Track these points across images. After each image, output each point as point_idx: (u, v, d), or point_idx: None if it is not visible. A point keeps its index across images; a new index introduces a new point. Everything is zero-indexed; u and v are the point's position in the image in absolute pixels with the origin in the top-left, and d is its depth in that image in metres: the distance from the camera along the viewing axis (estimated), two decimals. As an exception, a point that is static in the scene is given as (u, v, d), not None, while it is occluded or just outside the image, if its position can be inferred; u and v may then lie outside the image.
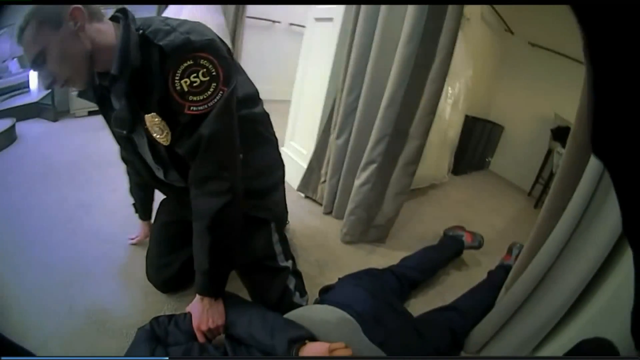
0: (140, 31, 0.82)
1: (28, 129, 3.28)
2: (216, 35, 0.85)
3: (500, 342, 1.03)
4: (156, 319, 0.96)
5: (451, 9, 1.29)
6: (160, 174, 1.04)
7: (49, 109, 3.66)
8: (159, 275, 1.20)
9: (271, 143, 1.08)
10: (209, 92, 0.81)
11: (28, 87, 4.24)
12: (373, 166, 1.42)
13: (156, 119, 0.85)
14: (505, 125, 3.29)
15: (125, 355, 0.92)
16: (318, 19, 1.70)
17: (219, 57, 0.81)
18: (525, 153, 3.04)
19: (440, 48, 1.34)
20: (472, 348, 1.09)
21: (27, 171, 2.34)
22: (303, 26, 2.49)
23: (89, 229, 1.56)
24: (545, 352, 0.89)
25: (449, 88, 2.18)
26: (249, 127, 0.99)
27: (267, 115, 1.09)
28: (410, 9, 1.30)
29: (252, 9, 2.87)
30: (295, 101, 1.85)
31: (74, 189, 1.97)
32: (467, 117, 2.57)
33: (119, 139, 1.05)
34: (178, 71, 0.78)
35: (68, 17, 0.77)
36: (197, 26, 0.84)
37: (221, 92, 0.82)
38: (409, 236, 1.74)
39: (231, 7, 2.48)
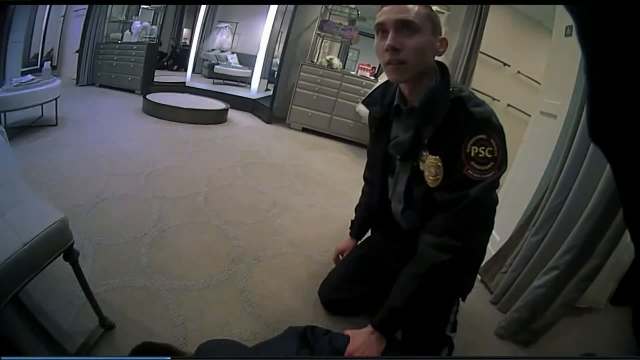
0: (455, 88, 0.97)
1: (240, 118, 3.81)
2: None
3: None
4: (312, 326, 1.03)
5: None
6: (398, 207, 1.16)
7: (265, 110, 4.09)
8: (332, 295, 1.31)
9: (490, 230, 1.13)
10: (486, 167, 0.92)
11: (249, 83, 4.95)
12: (555, 272, 1.38)
13: (439, 163, 0.97)
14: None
15: (266, 344, 1.01)
16: (543, 113, 1.73)
17: (503, 144, 0.94)
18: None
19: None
20: None
21: (230, 151, 2.68)
22: (521, 110, 2.48)
23: (276, 227, 1.71)
24: None
25: None
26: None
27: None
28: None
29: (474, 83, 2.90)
30: (506, 188, 1.87)
31: (273, 188, 2.13)
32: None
33: (376, 160, 1.21)
34: (474, 138, 0.91)
35: (440, 38, 0.98)
36: (493, 109, 0.97)
37: (493, 172, 0.93)
38: (550, 348, 1.64)
39: (460, 72, 2.62)
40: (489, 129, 0.91)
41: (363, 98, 1.25)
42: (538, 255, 1.47)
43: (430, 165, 0.99)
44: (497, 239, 1.80)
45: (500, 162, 0.93)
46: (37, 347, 1.00)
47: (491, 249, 1.77)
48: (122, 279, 1.27)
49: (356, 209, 1.46)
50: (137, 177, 1.95)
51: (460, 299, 1.17)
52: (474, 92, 1.04)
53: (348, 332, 1.03)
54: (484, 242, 1.10)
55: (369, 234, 1.45)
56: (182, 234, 1.55)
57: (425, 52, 0.95)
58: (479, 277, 1.76)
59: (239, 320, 1.20)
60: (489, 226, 1.08)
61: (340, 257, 1.45)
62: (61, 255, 0.95)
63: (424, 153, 1.00)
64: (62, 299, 1.13)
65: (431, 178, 0.99)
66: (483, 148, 0.91)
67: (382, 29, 0.96)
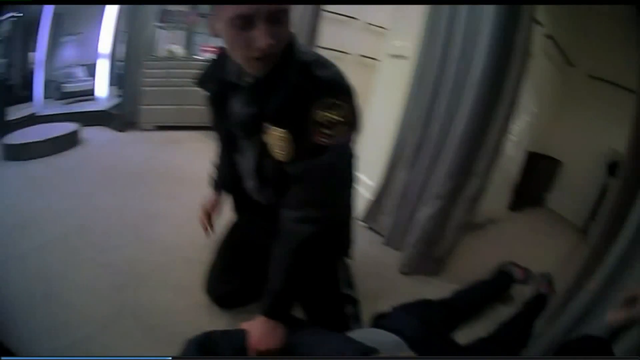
0: (299, 52, 0.89)
1: (93, 135, 3.48)
2: None
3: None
4: (208, 332, 0.94)
5: (519, 49, 1.33)
6: (251, 184, 1.09)
7: (116, 119, 3.79)
8: (218, 289, 1.25)
9: (352, 184, 1.10)
10: (339, 131, 0.86)
11: (93, 94, 4.58)
12: (438, 202, 1.45)
13: (284, 136, 0.90)
14: (564, 160, 3.17)
15: None
16: (392, 56, 1.77)
17: (355, 105, 0.88)
18: (582, 189, 2.91)
19: (507, 88, 1.38)
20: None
21: (88, 175, 2.47)
22: (374, 58, 2.56)
23: (149, 238, 1.63)
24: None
25: (514, 125, 2.16)
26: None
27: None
28: (481, 51, 1.33)
29: (325, 40, 2.81)
30: (365, 134, 1.86)
31: (137, 198, 2.03)
32: (528, 153, 2.51)
33: (221, 138, 1.13)
34: (322, 103, 0.84)
35: None
36: (340, 69, 0.90)
37: (348, 134, 0.89)
38: (463, 270, 1.73)
39: (303, 33, 2.53)
40: (337, 91, 0.85)
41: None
42: (416, 189, 1.53)
43: (277, 139, 0.91)
44: (369, 183, 1.83)
45: (352, 123, 0.88)
46: None
47: (366, 194, 1.80)
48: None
49: (216, 167, 1.32)
50: (8, 237, 1.73)
51: (344, 253, 1.16)
52: (324, 50, 0.98)
53: (244, 325, 0.95)
54: (349, 198, 1.09)
55: (230, 216, 1.34)
56: (65, 279, 1.40)
57: (286, 33, 0.85)
58: (363, 224, 1.80)
59: (146, 349, 1.13)
60: (349, 183, 1.06)
61: (210, 218, 1.32)
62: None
63: (269, 127, 0.92)
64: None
65: (280, 152, 0.93)
66: (333, 112, 0.85)
67: (246, 21, 0.78)
